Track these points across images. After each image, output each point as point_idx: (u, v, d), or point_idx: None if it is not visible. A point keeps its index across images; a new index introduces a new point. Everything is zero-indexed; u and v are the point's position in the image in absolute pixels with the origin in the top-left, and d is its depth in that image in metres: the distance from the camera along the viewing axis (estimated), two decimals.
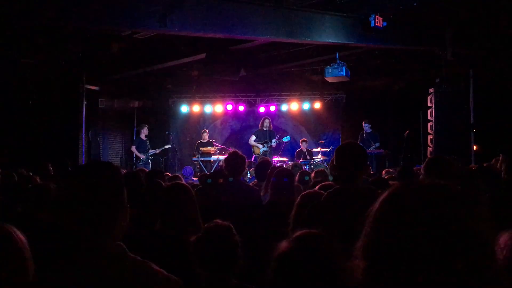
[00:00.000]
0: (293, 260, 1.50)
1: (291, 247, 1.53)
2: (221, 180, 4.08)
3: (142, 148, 11.15)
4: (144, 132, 11.28)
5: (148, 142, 11.29)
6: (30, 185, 3.92)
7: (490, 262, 0.88)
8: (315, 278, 1.45)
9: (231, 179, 3.96)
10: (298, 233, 1.57)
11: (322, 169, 6.34)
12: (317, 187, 3.11)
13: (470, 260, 0.85)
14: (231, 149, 5.59)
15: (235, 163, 4.05)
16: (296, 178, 4.52)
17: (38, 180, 4.56)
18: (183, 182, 3.91)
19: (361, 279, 0.94)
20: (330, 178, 4.76)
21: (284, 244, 1.55)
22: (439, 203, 0.90)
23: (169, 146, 11.69)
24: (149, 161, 11.23)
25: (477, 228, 0.89)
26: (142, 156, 11.01)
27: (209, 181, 4.39)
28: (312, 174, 5.52)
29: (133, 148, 11.17)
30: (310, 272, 1.46)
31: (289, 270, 1.49)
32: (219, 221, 2.23)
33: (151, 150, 11.24)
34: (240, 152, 4.22)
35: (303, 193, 2.90)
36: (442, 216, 0.88)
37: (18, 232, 1.43)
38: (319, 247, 1.52)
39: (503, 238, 1.30)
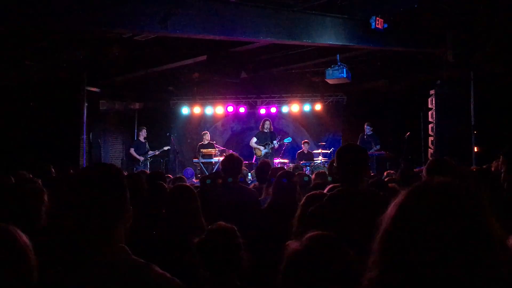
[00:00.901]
0: (306, 261, 1.49)
1: (304, 248, 1.52)
2: (220, 181, 4.09)
3: (140, 150, 11.15)
4: (143, 134, 11.28)
5: (147, 143, 11.29)
6: (27, 188, 3.90)
7: (509, 264, 0.87)
8: (327, 279, 1.45)
9: (230, 179, 3.97)
10: (310, 234, 1.56)
11: (323, 171, 6.35)
12: (326, 189, 3.09)
13: (489, 261, 0.84)
14: (230, 151, 5.62)
15: (231, 165, 4.06)
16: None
17: (40, 182, 4.54)
18: (187, 183, 3.93)
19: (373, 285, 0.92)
20: (329, 178, 4.76)
21: (295, 245, 1.54)
22: (457, 203, 0.89)
23: (168, 147, 11.69)
24: (148, 163, 11.22)
25: (495, 229, 0.88)
26: (141, 158, 11.00)
27: (208, 181, 4.40)
28: (313, 176, 5.53)
29: (132, 150, 11.16)
30: (322, 273, 1.46)
31: (301, 271, 1.48)
32: (222, 223, 2.24)
33: (150, 152, 11.23)
34: (236, 154, 4.23)
35: (309, 194, 2.88)
36: (461, 214, 0.87)
37: (22, 235, 1.43)
38: (332, 248, 1.51)
39: None
